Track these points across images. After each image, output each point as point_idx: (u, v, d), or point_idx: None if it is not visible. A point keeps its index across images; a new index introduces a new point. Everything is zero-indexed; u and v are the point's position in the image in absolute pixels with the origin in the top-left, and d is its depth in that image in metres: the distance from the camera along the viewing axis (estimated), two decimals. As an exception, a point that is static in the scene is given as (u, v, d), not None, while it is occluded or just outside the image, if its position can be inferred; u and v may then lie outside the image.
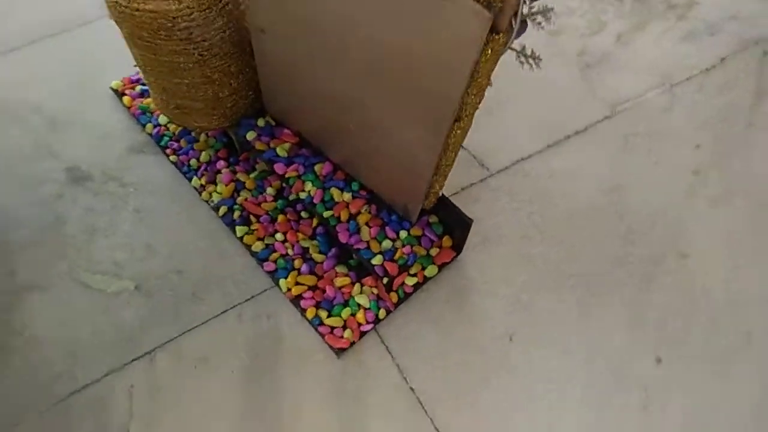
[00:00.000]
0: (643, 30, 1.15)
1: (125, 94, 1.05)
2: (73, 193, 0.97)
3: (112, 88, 1.06)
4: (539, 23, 0.50)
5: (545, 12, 0.49)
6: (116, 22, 0.76)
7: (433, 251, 0.91)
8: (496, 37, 0.51)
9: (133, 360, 0.85)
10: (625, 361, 0.87)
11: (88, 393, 0.82)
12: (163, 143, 1.01)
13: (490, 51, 0.53)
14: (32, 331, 0.86)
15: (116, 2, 0.73)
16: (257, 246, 0.92)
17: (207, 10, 0.75)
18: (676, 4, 1.19)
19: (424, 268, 0.91)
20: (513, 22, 0.51)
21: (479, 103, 0.63)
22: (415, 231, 0.90)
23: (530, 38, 1.05)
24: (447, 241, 0.92)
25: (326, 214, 0.89)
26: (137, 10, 0.72)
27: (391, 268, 0.87)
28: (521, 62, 0.55)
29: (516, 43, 0.54)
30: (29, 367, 0.84)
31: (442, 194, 0.88)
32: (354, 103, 0.74)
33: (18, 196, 0.97)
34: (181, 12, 0.73)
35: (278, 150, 0.92)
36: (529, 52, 0.54)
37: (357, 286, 0.89)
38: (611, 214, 0.97)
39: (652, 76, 1.09)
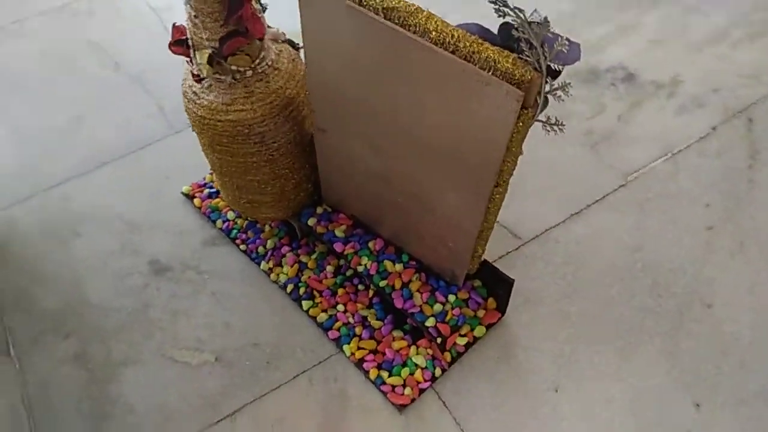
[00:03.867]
0: (639, 108, 1.31)
1: (195, 197, 1.21)
2: (157, 282, 1.11)
3: (183, 193, 1.22)
4: (559, 96, 0.64)
5: (564, 87, 0.63)
6: (198, 132, 0.93)
7: (480, 313, 1.01)
8: (525, 111, 0.66)
9: (217, 421, 0.94)
10: (666, 407, 0.94)
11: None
12: (232, 235, 1.15)
13: (521, 123, 0.67)
14: (126, 399, 0.97)
15: (201, 116, 0.90)
16: (322, 317, 1.04)
17: (276, 117, 0.91)
18: (663, 83, 1.35)
19: (472, 329, 1.01)
20: (538, 98, 0.65)
21: (513, 169, 0.76)
22: (462, 294, 1.01)
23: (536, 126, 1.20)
24: (492, 303, 1.02)
25: (382, 283, 1.01)
26: (219, 120, 0.89)
27: (444, 329, 0.98)
28: (547, 130, 0.69)
29: (542, 116, 0.68)
30: (124, 431, 0.94)
31: (484, 259, 0.99)
32: (403, 178, 0.88)
33: (110, 289, 1.10)
34: (256, 120, 0.89)
35: (336, 231, 1.06)
36: (554, 120, 0.67)
37: (413, 348, 0.99)
38: (637, 270, 1.07)
39: (656, 147, 1.23)
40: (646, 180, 1.18)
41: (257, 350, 1.02)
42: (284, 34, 0.96)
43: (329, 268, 1.08)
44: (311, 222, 1.08)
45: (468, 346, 1.00)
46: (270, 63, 0.90)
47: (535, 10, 0.65)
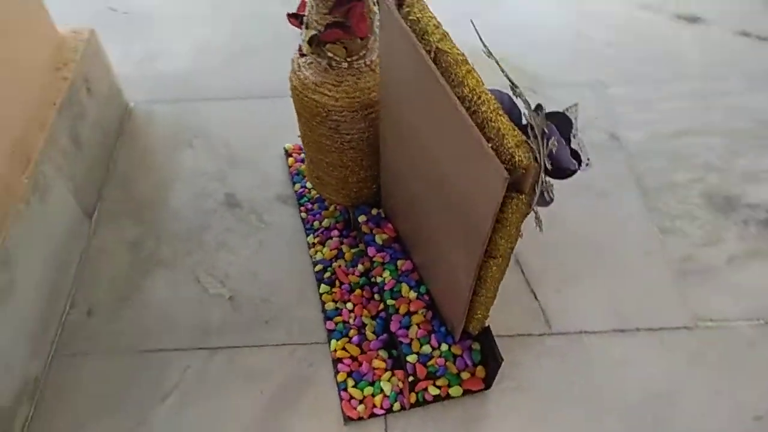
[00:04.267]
0: (759, 259, 1.14)
1: (291, 156, 1.31)
2: (223, 212, 1.23)
3: (284, 149, 1.33)
4: (548, 196, 0.61)
5: (548, 188, 0.60)
6: (293, 99, 1.01)
7: (465, 375, 0.99)
8: (519, 196, 0.64)
9: (199, 348, 1.04)
10: None
11: (158, 355, 1.03)
12: (302, 201, 1.23)
13: (513, 207, 0.65)
14: (147, 294, 1.11)
15: (294, 86, 0.98)
16: (329, 305, 1.08)
17: (355, 113, 0.96)
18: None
19: (450, 386, 0.98)
20: (536, 188, 0.62)
21: (512, 248, 0.74)
22: (456, 349, 0.99)
23: (640, 234, 1.11)
24: (480, 372, 0.99)
25: (389, 302, 1.03)
26: (306, 96, 0.96)
27: (421, 371, 0.97)
28: (536, 224, 0.65)
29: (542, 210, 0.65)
30: (136, 316, 1.08)
31: (489, 327, 0.96)
32: (423, 213, 0.88)
33: (188, 201, 1.25)
34: (335, 108, 0.95)
35: (376, 237, 1.09)
36: (541, 218, 0.64)
37: (388, 373, 1.00)
38: (647, 422, 0.96)
39: (749, 307, 1.07)
40: (717, 335, 1.04)
41: (265, 306, 1.10)
42: None
43: (360, 267, 1.12)
44: (361, 219, 1.12)
45: (438, 398, 0.98)
46: (368, 63, 0.95)
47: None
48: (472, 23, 0.69)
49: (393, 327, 1.01)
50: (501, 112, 0.63)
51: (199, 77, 1.51)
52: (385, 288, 1.04)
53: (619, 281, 1.12)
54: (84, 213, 1.18)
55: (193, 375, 1.02)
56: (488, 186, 0.63)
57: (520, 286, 1.12)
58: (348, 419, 0.97)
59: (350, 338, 1.04)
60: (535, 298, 1.11)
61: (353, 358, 1.02)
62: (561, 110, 0.62)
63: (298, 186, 1.26)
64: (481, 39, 0.65)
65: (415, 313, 1.02)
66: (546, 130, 0.56)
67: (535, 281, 1.13)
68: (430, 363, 0.98)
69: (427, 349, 0.99)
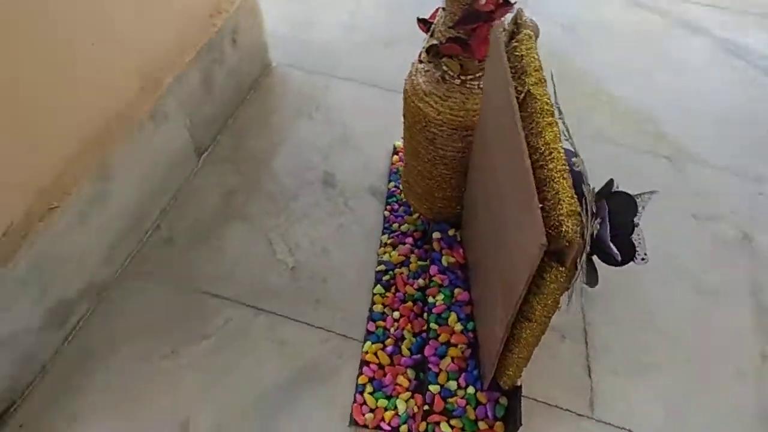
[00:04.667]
0: None
1: (397, 154, 1.31)
2: (317, 187, 1.26)
3: (394, 145, 1.33)
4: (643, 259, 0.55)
5: (584, 272, 0.54)
6: (403, 101, 1.01)
7: (482, 425, 0.94)
8: (559, 269, 0.59)
9: (248, 305, 1.08)
10: None
11: (211, 300, 1.09)
12: (389, 200, 1.23)
13: (552, 276, 0.60)
14: (224, 242, 1.17)
15: (405, 89, 0.97)
16: (377, 308, 1.08)
17: (453, 131, 0.94)
18: None
19: (464, 430, 0.94)
20: (578, 264, 0.57)
21: (548, 316, 0.68)
22: (482, 397, 0.95)
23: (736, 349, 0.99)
24: (499, 428, 0.94)
25: (433, 325, 1.00)
26: (412, 102, 0.95)
27: (438, 404, 0.94)
28: (567, 298, 0.60)
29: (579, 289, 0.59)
30: (206, 258, 1.15)
31: (520, 387, 0.91)
32: (486, 254, 0.85)
33: (290, 167, 1.30)
34: (436, 121, 0.93)
35: (444, 258, 1.07)
36: (571, 296, 0.59)
37: (407, 393, 0.98)
38: None
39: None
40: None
41: (320, 287, 1.12)
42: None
43: (420, 281, 1.10)
44: (435, 235, 1.10)
45: (447, 437, 0.95)
46: (481, 86, 0.92)
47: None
48: (552, 74, 0.64)
49: (427, 351, 0.98)
50: (567, 174, 0.58)
51: (340, 54, 1.55)
52: (434, 311, 1.02)
53: (692, 390, 1.00)
54: (195, 151, 1.27)
55: (234, 328, 1.06)
56: (527, 248, 0.59)
57: (579, 357, 1.05)
58: (354, 422, 0.96)
59: (385, 346, 1.03)
60: (589, 375, 1.02)
61: (380, 366, 1.01)
62: (634, 193, 0.55)
63: (392, 184, 1.26)
64: (554, 92, 0.60)
65: (455, 345, 0.98)
66: (594, 209, 0.51)
67: (596, 356, 1.04)
68: (450, 399, 0.94)
69: (452, 385, 0.95)
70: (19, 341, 0.93)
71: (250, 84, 1.43)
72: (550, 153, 0.60)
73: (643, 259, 0.56)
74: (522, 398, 0.94)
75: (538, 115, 0.63)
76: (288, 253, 1.16)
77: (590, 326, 1.08)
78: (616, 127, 1.41)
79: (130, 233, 1.12)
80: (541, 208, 0.57)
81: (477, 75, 0.91)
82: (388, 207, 1.23)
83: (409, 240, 1.16)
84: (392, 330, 1.05)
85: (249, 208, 1.23)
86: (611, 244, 0.52)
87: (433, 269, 1.06)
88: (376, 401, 0.98)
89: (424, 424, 0.95)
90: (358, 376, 1.01)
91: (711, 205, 1.26)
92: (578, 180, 0.58)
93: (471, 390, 0.95)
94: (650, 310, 1.10)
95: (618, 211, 0.53)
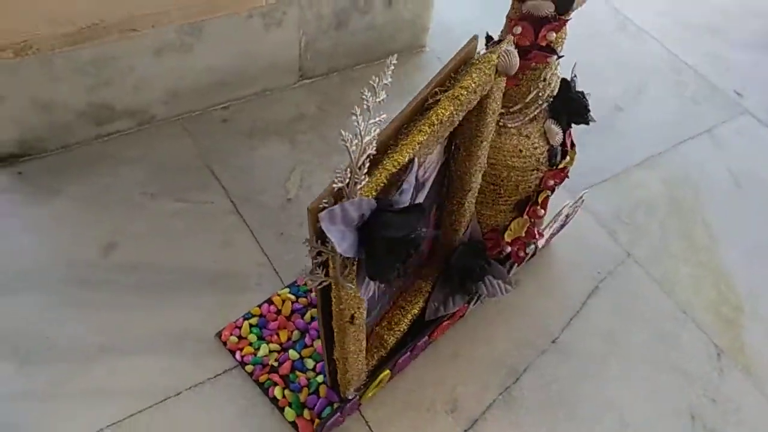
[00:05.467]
0: None
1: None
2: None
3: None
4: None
5: None
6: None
7: (306, 413, 0.91)
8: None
9: (231, 200, 1.17)
10: None
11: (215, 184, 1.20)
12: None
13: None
14: (260, 146, 1.27)
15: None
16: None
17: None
18: None
19: (290, 405, 0.92)
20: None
21: (345, 310, 0.65)
22: (322, 389, 0.93)
23: None
24: (316, 425, 0.90)
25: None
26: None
27: (285, 368, 0.95)
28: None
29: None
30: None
31: (352, 399, 0.87)
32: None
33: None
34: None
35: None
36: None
37: (277, 347, 0.99)
38: None
39: None
40: None
41: (296, 229, 1.15)
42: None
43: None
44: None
45: (273, 401, 0.94)
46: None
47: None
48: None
49: (315, 324, 0.98)
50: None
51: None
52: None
53: None
54: (299, 70, 1.37)
55: (207, 210, 1.16)
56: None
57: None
58: (219, 336, 0.99)
59: (295, 301, 1.04)
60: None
61: (278, 312, 1.02)
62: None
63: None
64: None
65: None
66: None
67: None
68: (298, 373, 0.95)
69: (310, 363, 0.96)
70: (58, 113, 1.12)
71: (385, 52, 1.49)
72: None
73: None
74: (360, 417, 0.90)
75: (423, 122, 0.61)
76: (296, 187, 1.22)
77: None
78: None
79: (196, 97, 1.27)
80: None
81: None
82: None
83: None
84: (313, 295, 1.06)
85: (303, 136, 1.30)
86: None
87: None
88: (249, 334, 1.00)
89: (266, 376, 0.96)
90: (254, 307, 1.04)
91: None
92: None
93: (320, 378, 0.93)
94: None
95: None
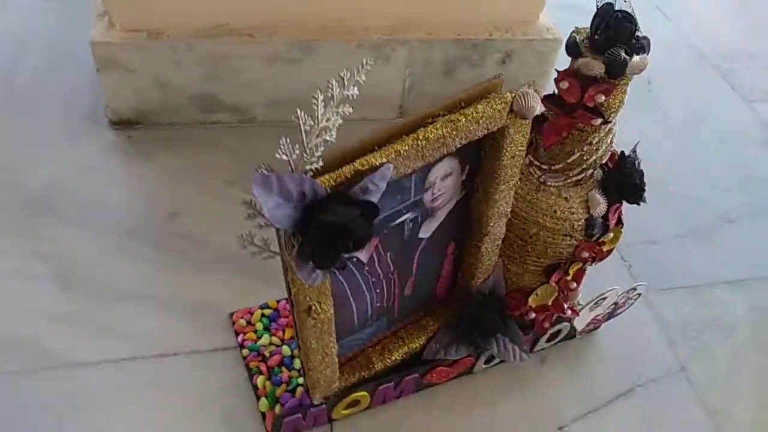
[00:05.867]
0: None
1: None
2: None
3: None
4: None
5: None
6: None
7: (277, 407, 0.92)
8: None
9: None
10: None
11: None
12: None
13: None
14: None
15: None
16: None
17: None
18: None
19: (267, 397, 0.94)
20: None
21: (302, 302, 0.67)
22: (299, 390, 0.93)
23: None
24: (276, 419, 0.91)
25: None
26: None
27: (273, 361, 0.97)
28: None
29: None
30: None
31: (320, 405, 0.86)
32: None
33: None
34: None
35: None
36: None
37: (278, 340, 1.01)
38: None
39: None
40: None
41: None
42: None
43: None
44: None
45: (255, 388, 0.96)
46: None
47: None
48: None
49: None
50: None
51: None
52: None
53: None
54: (398, 108, 1.43)
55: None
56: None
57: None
58: (230, 316, 1.04)
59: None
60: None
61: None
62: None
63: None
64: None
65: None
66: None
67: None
68: (283, 368, 0.97)
69: (298, 363, 0.96)
70: (174, 94, 1.28)
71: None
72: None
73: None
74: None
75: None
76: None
77: None
78: None
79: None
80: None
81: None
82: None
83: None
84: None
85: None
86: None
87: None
88: (258, 322, 1.04)
89: (255, 363, 0.98)
90: (273, 300, 1.07)
91: None
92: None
93: (301, 380, 0.94)
94: None
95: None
